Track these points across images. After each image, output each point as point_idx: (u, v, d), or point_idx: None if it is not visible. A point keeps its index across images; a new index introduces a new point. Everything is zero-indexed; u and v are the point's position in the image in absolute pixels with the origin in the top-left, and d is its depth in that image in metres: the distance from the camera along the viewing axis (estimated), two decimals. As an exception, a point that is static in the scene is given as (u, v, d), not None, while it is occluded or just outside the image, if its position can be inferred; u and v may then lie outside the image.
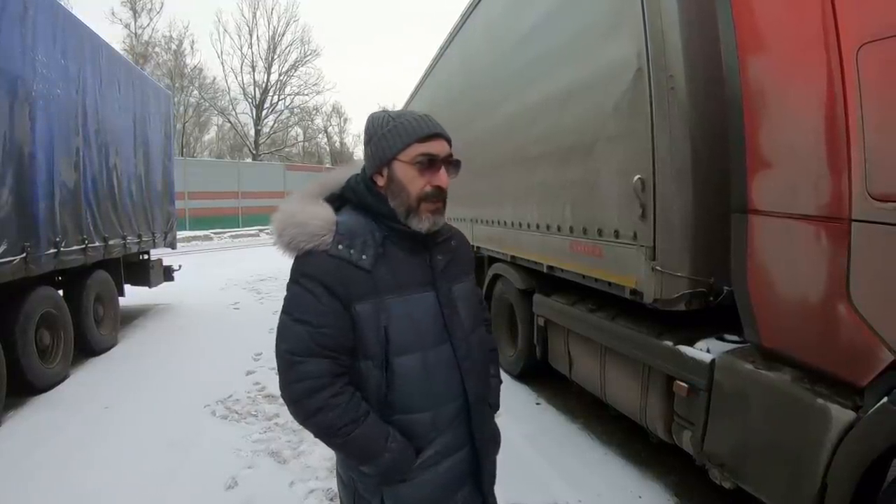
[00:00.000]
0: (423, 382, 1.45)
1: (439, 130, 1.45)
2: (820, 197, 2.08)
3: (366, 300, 1.39)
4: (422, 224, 1.44)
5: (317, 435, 1.41)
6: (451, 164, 1.47)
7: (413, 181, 1.42)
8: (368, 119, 1.50)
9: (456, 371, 1.50)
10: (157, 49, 36.05)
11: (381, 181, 1.46)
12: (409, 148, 1.41)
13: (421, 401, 1.46)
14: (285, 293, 1.44)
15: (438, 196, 1.45)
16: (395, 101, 48.29)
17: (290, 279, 1.43)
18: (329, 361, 1.37)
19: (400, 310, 1.42)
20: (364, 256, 1.39)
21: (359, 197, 1.49)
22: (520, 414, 4.54)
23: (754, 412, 2.44)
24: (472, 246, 6.42)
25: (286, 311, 1.41)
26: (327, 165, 40.94)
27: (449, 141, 1.47)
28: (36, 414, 4.76)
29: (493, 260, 6.00)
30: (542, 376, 5.22)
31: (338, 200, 1.53)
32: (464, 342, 1.51)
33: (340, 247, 1.39)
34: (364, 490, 1.49)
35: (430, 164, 1.42)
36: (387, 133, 1.43)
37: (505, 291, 5.66)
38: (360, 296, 1.39)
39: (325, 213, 1.43)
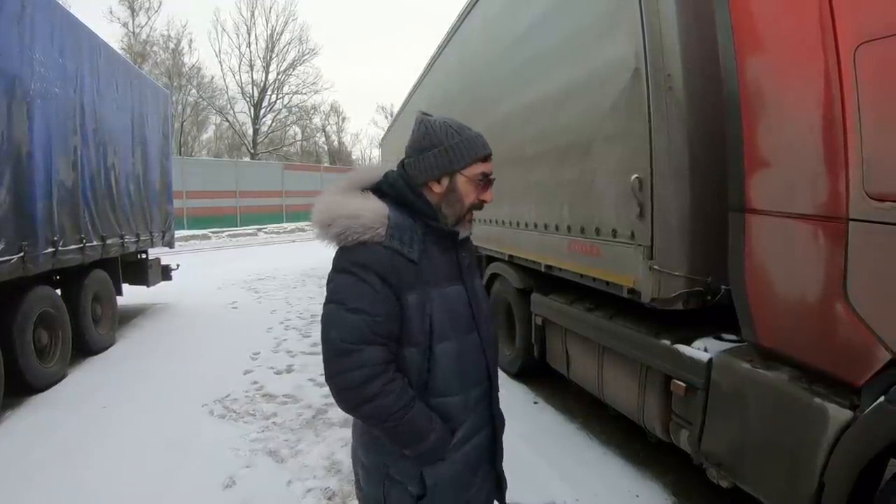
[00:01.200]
0: (457, 367, 1.57)
1: (491, 151, 1.60)
2: (817, 196, 2.08)
3: (414, 290, 1.49)
4: (465, 231, 1.63)
5: (368, 420, 1.49)
6: (492, 182, 1.63)
7: (469, 195, 1.58)
8: (427, 124, 1.58)
9: (482, 357, 1.64)
10: (155, 48, 36.11)
11: (437, 188, 1.57)
12: (474, 165, 1.56)
13: (455, 385, 1.57)
14: (330, 283, 1.50)
15: (479, 209, 1.63)
16: (393, 100, 48.30)
17: (339, 269, 1.49)
18: (383, 349, 1.45)
19: (440, 300, 1.54)
20: (412, 249, 1.49)
21: (400, 194, 1.56)
22: (518, 413, 4.51)
23: (752, 411, 2.44)
24: (471, 245, 6.45)
25: (338, 300, 1.46)
26: (325, 164, 40.94)
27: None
28: (34, 413, 4.74)
29: (490, 259, 6.00)
30: (539, 375, 5.22)
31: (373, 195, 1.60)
32: (487, 332, 1.67)
33: (393, 239, 1.47)
34: (398, 473, 1.56)
35: (483, 181, 1.59)
36: (455, 145, 1.54)
37: (503, 290, 5.66)
38: (409, 286, 1.48)
39: (379, 206, 1.50)
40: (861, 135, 1.89)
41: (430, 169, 1.55)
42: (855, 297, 1.97)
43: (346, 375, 1.42)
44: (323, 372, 1.48)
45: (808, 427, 2.14)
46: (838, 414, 2.04)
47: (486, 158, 1.58)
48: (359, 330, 1.42)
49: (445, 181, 1.56)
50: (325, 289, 1.53)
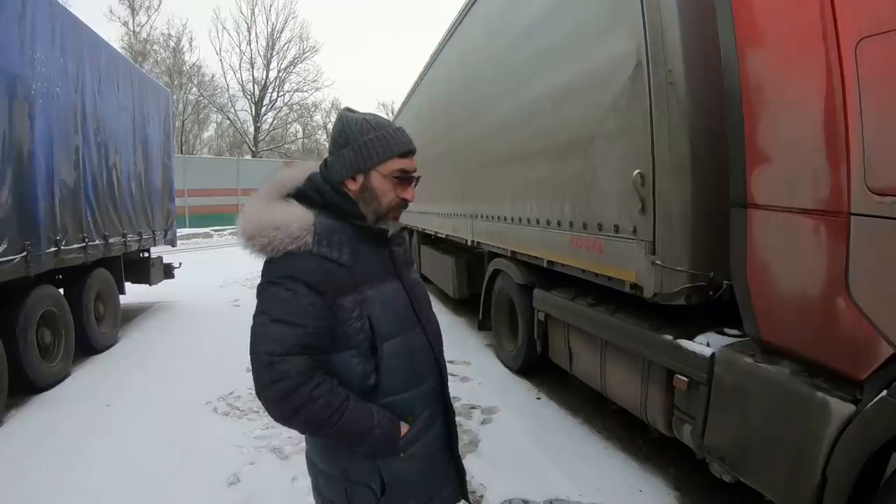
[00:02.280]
0: (406, 364, 1.56)
1: (414, 147, 1.57)
2: (819, 191, 2.08)
3: (348, 294, 1.46)
4: (392, 227, 1.60)
5: (305, 430, 1.48)
6: (416, 179, 1.60)
7: (386, 193, 1.54)
8: (344, 120, 1.55)
9: (430, 350, 1.65)
10: (155, 47, 36.05)
11: (353, 186, 1.54)
12: (389, 162, 1.53)
13: (405, 381, 1.56)
14: (259, 294, 1.47)
15: (403, 208, 1.60)
16: (394, 97, 48.24)
17: (265, 281, 1.46)
18: (307, 358, 1.41)
19: (378, 299, 1.51)
20: (341, 253, 1.46)
21: (325, 197, 1.53)
22: (520, 409, 4.54)
23: (754, 406, 2.44)
24: (473, 241, 6.46)
25: (263, 311, 1.44)
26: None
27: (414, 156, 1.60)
28: (38, 413, 4.77)
29: (492, 255, 6.00)
30: (542, 371, 5.23)
31: (296, 199, 1.56)
32: (429, 324, 1.67)
33: (321, 246, 1.44)
34: (357, 476, 1.54)
35: (403, 179, 1.55)
36: (369, 142, 1.51)
37: (505, 286, 5.67)
38: (342, 291, 1.45)
39: (303, 214, 1.46)
40: (863, 130, 1.89)
41: (346, 166, 1.52)
42: (857, 291, 1.97)
43: (271, 388, 1.39)
44: None
45: (810, 421, 2.14)
46: (841, 408, 2.04)
47: (405, 155, 1.55)
48: (282, 341, 1.39)
49: (360, 178, 1.53)
50: None
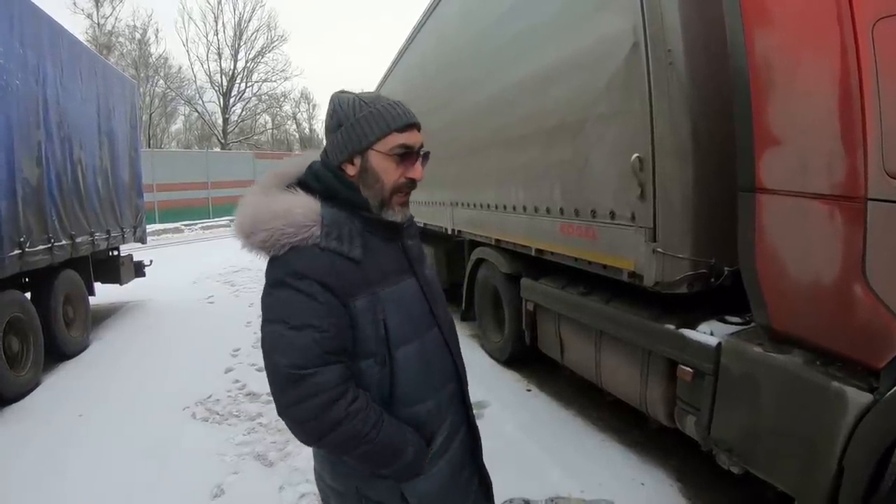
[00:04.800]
0: (423, 371, 1.41)
1: (416, 120, 1.39)
2: (834, 175, 2.01)
3: (361, 295, 1.31)
4: (395, 216, 1.40)
5: (337, 449, 1.31)
6: (424, 155, 1.41)
7: (388, 172, 1.36)
8: (335, 101, 1.38)
9: (447, 353, 1.50)
10: (121, 39, 35.01)
11: (351, 170, 1.37)
12: (388, 138, 1.34)
13: (424, 390, 1.42)
14: (266, 299, 1.30)
15: (411, 188, 1.40)
16: (364, 86, 47.60)
17: (273, 283, 1.29)
18: (339, 367, 1.26)
19: (392, 299, 1.36)
20: (352, 246, 1.31)
21: (327, 186, 1.37)
22: (511, 402, 4.44)
23: (765, 396, 2.38)
24: (453, 230, 6.32)
25: (278, 319, 1.26)
26: (297, 152, 40.40)
27: (420, 130, 1.40)
28: (8, 425, 4.53)
29: (474, 244, 5.86)
30: (530, 362, 5.14)
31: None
32: (446, 324, 1.52)
33: (330, 239, 1.28)
34: (372, 493, 1.40)
35: (406, 155, 1.36)
36: (362, 119, 1.33)
37: (489, 276, 5.55)
38: (355, 290, 1.30)
39: (308, 200, 1.31)
40: (880, 112, 1.83)
41: (341, 149, 1.36)
42: (874, 278, 1.92)
43: (301, 406, 1.23)
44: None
45: (826, 411, 2.08)
46: (858, 397, 1.99)
47: (406, 128, 1.35)
48: (308, 350, 1.23)
49: (358, 161, 1.35)
50: None
